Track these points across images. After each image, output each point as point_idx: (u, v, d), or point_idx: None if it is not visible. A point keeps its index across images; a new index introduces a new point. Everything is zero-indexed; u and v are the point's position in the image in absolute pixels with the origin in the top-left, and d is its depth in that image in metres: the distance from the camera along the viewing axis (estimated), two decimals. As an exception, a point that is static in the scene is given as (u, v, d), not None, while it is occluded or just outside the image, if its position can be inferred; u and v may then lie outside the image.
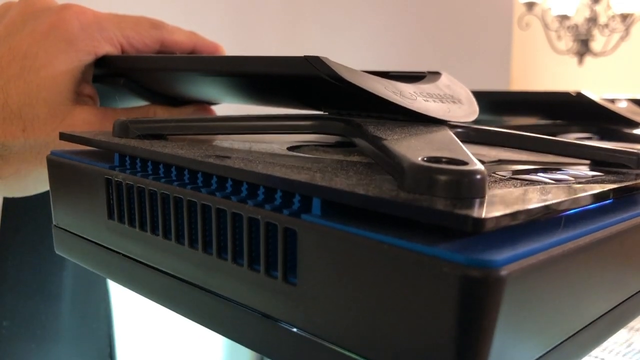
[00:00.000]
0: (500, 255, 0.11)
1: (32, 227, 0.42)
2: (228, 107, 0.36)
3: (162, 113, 0.35)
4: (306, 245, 0.14)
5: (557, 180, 0.18)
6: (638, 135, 0.37)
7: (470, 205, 0.12)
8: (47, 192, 0.33)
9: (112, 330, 0.48)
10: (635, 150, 0.21)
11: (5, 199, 0.41)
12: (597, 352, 0.36)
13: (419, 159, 0.14)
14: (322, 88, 0.23)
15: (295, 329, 0.15)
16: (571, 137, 0.35)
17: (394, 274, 0.12)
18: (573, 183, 0.17)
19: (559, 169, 0.20)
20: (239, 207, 0.16)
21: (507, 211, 0.12)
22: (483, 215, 0.11)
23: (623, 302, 0.18)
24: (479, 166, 0.13)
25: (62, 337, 0.44)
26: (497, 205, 0.12)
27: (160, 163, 0.19)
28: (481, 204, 0.12)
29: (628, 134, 0.38)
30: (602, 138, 0.39)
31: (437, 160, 0.14)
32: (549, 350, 0.14)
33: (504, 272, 0.11)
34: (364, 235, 0.13)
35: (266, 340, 0.16)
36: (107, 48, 0.31)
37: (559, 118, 0.45)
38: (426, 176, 0.13)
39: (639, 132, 0.38)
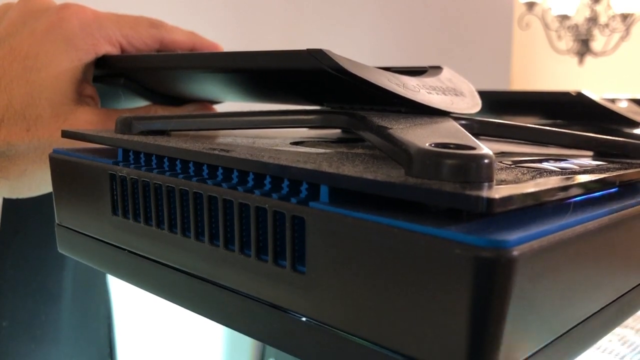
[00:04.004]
0: (511, 236, 0.11)
1: (32, 227, 0.42)
2: (229, 105, 0.36)
3: (163, 112, 0.35)
4: (314, 233, 0.14)
5: (563, 169, 0.18)
6: (638, 135, 0.37)
7: (480, 188, 0.12)
8: (47, 193, 0.33)
9: (112, 330, 0.48)
10: (638, 141, 0.22)
11: (5, 199, 0.41)
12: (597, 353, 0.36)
13: (426, 144, 0.14)
14: (324, 82, 0.23)
15: (304, 318, 0.15)
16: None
17: (404, 258, 0.12)
18: (579, 171, 0.17)
19: (564, 159, 0.20)
20: (246, 197, 0.15)
21: (517, 192, 0.12)
22: (494, 196, 0.11)
23: (632, 289, 0.17)
24: (487, 151, 0.13)
25: (62, 337, 0.43)
26: (506, 188, 0.12)
27: (165, 157, 0.19)
28: (490, 187, 0.12)
29: (628, 134, 0.38)
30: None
31: (444, 145, 0.14)
32: (560, 336, 0.14)
33: (516, 252, 0.11)
34: (374, 220, 0.12)
35: (275, 331, 0.16)
36: (107, 47, 0.31)
37: (559, 118, 0.45)
38: (434, 161, 0.13)
39: (639, 132, 0.38)
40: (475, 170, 0.13)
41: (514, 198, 0.11)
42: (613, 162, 0.20)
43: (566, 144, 0.23)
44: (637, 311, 0.19)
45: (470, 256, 0.11)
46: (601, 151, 0.22)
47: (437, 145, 0.14)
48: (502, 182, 0.13)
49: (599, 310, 0.16)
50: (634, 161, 0.21)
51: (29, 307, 0.41)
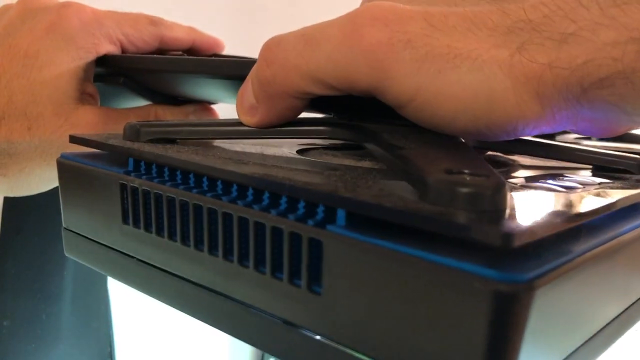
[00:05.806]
0: (529, 270, 0.12)
1: (32, 228, 0.42)
2: (230, 106, 0.36)
3: (162, 112, 0.35)
4: (332, 256, 0.14)
5: (567, 188, 0.18)
6: (636, 135, 0.37)
7: (496, 220, 0.12)
8: (48, 193, 0.33)
9: (112, 330, 0.48)
10: (636, 156, 0.22)
11: (6, 199, 0.41)
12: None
13: (441, 172, 0.14)
14: None
15: (318, 337, 0.15)
16: (570, 138, 0.36)
17: (421, 287, 0.12)
18: (583, 191, 0.18)
19: (564, 175, 0.21)
20: (262, 216, 0.16)
21: (534, 225, 0.12)
22: (512, 231, 0.11)
23: (632, 304, 0.18)
24: (500, 179, 0.14)
25: (62, 337, 0.43)
26: (521, 219, 0.13)
27: (178, 169, 0.19)
28: (505, 217, 0.13)
29: (626, 134, 0.38)
30: (601, 138, 0.39)
31: (459, 173, 0.14)
32: (567, 356, 0.14)
33: (534, 287, 0.11)
34: (392, 248, 0.13)
35: (289, 347, 0.16)
36: (107, 46, 0.31)
37: None
38: (449, 189, 0.13)
39: (638, 132, 0.38)
40: (489, 199, 0.13)
41: (531, 231, 0.12)
42: (612, 178, 0.21)
43: (566, 159, 0.23)
44: (636, 322, 0.20)
45: (489, 290, 0.11)
46: (600, 166, 0.23)
47: (452, 172, 0.14)
48: (514, 210, 0.14)
49: (602, 328, 0.16)
50: (632, 176, 0.21)
51: (30, 306, 0.41)
